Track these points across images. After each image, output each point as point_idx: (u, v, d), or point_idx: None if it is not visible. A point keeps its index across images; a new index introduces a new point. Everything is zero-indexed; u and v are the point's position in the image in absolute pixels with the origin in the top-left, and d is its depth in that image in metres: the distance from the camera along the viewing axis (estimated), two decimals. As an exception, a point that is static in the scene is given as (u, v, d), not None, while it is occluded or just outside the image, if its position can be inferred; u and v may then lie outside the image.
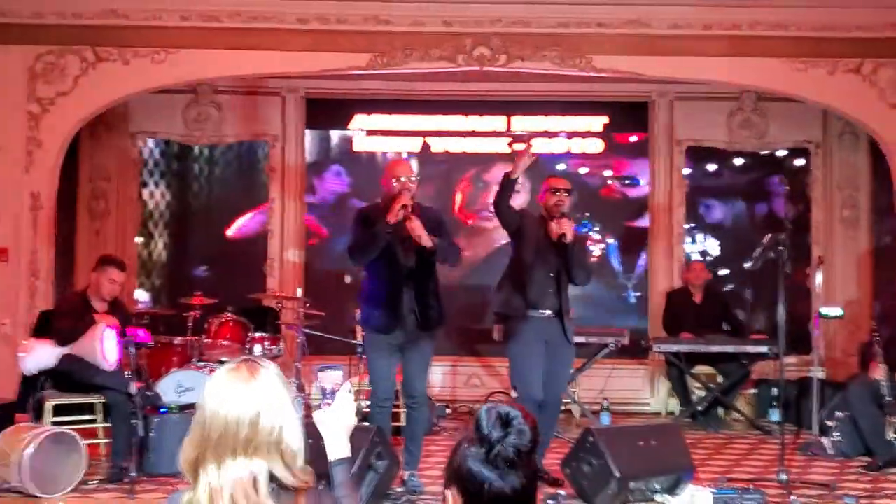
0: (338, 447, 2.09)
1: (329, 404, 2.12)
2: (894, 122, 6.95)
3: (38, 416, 5.39)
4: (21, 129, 6.75)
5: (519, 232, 5.01)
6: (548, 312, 4.96)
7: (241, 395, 1.79)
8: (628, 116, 8.28)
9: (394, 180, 4.75)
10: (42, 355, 5.29)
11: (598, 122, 8.27)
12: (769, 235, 5.23)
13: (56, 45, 6.77)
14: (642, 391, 8.02)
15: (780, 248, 5.13)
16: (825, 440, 5.97)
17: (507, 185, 4.85)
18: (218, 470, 1.76)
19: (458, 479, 1.70)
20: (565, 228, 4.85)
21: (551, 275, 4.97)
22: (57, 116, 6.79)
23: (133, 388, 5.10)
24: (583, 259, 5.09)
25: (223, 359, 6.32)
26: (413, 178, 4.79)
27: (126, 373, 5.23)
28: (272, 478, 1.78)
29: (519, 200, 4.81)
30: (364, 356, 5.56)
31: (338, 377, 2.19)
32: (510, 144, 8.23)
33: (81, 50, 6.79)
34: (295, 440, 1.82)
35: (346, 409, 2.12)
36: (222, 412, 1.78)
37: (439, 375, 7.69)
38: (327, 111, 8.18)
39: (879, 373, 5.69)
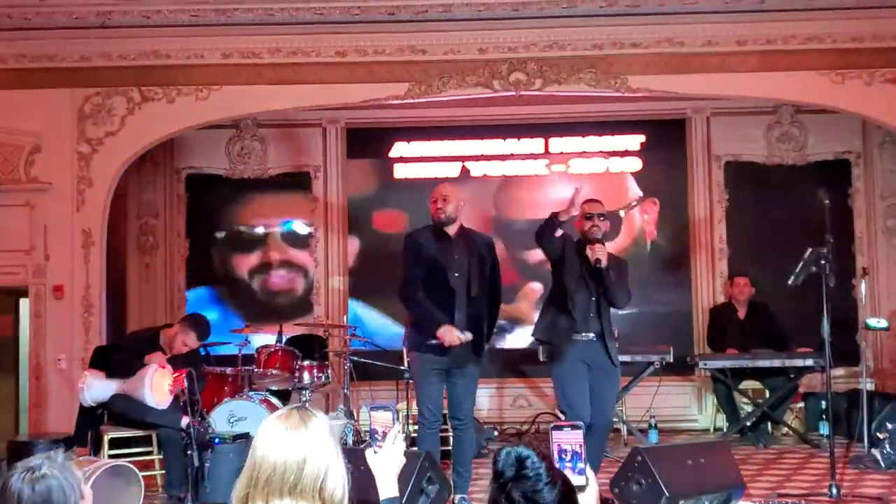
0: (388, 487, 2.20)
1: (380, 445, 2.23)
2: (934, 130, 6.90)
3: (96, 449, 5.55)
4: (72, 168, 6.97)
5: (561, 258, 5.04)
6: (591, 335, 4.97)
7: (289, 441, 1.92)
8: (665, 134, 8.30)
9: (431, 200, 4.94)
10: (99, 388, 5.45)
11: (635, 141, 8.30)
12: (810, 250, 5.21)
13: (103, 86, 7.00)
14: (689, 408, 7.99)
15: (823, 261, 5.11)
16: (876, 452, 5.90)
17: (552, 225, 4.85)
18: None
19: None
20: (599, 254, 4.88)
21: (592, 298, 4.99)
22: (106, 156, 7.00)
23: (184, 422, 5.23)
24: (621, 282, 5.07)
25: (274, 387, 6.45)
26: (445, 197, 4.90)
27: (179, 403, 5.37)
28: None
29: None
30: (411, 380, 5.64)
31: (388, 419, 2.27)
32: (548, 166, 8.30)
33: (127, 90, 7.01)
34: (338, 488, 1.93)
35: (397, 450, 2.22)
36: (271, 456, 1.91)
37: (486, 398, 7.74)
38: (368, 140, 8.33)
39: (930, 383, 5.62)
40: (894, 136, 7.70)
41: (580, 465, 1.97)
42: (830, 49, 6.89)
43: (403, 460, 2.23)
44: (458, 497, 4.93)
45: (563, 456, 1.97)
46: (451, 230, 4.90)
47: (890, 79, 6.90)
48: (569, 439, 1.99)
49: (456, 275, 4.84)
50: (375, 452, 2.22)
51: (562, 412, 5.05)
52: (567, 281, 5.00)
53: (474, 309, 4.88)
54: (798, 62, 6.92)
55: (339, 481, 1.94)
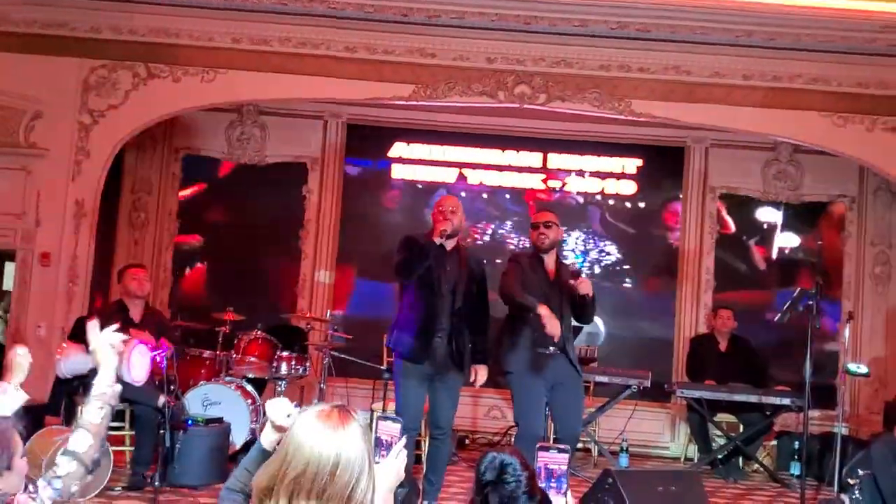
0: (384, 500, 2.09)
1: (384, 455, 2.15)
2: (931, 182, 6.97)
3: (68, 419, 5.53)
4: (71, 138, 6.94)
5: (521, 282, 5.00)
6: (553, 349, 4.92)
7: (327, 441, 1.82)
8: (663, 160, 8.34)
9: (439, 208, 4.96)
10: (78, 361, 5.41)
11: (632, 165, 8.34)
12: (799, 289, 5.24)
13: (110, 59, 6.98)
14: (662, 435, 8.01)
15: (811, 302, 5.15)
16: (845, 497, 5.91)
17: (525, 309, 4.88)
18: None
19: None
20: (584, 289, 4.92)
21: (554, 313, 4.91)
22: (106, 128, 6.97)
23: (161, 401, 5.22)
24: (588, 309, 5.11)
25: (250, 374, 6.44)
26: (454, 209, 4.92)
27: (156, 382, 5.37)
28: None
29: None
30: (389, 381, 5.65)
31: (395, 430, 2.18)
32: (545, 181, 8.33)
33: (134, 65, 6.99)
34: (367, 497, 1.84)
35: (398, 465, 2.12)
36: (305, 454, 1.81)
37: (460, 406, 7.70)
38: (368, 138, 8.34)
39: (904, 433, 5.64)
40: (890, 183, 7.75)
41: (564, 486, 1.99)
42: (835, 92, 6.95)
43: (402, 476, 2.13)
44: (426, 504, 4.95)
45: (550, 476, 2.00)
46: (449, 243, 4.90)
47: (891, 127, 6.96)
48: (555, 460, 2.02)
49: (445, 286, 4.87)
50: (377, 462, 2.08)
51: (516, 424, 5.04)
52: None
53: (457, 320, 4.90)
54: (802, 101, 6.98)
55: (368, 491, 1.84)
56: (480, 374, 5.01)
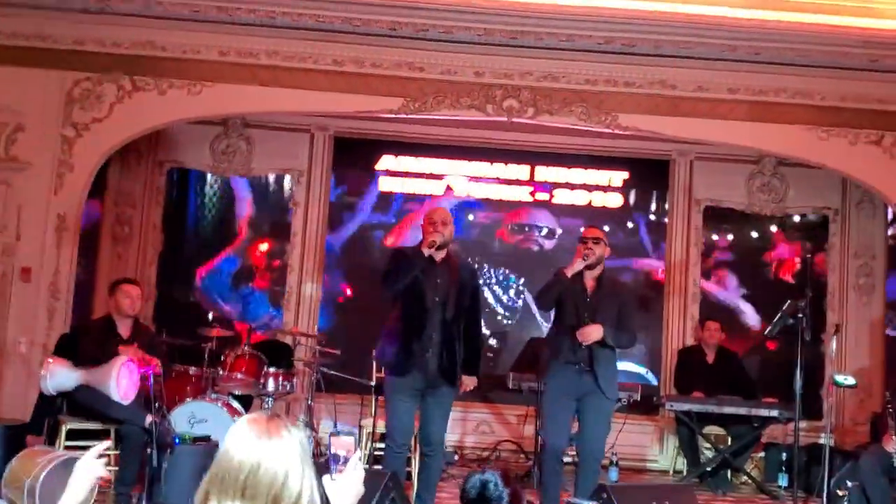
0: None
1: (341, 471, 2.17)
2: (913, 195, 7.03)
3: (52, 438, 5.43)
4: (54, 151, 6.83)
5: (558, 303, 5.13)
6: (579, 365, 5.02)
7: (250, 445, 1.90)
8: (649, 173, 8.39)
9: (429, 219, 4.93)
10: (63, 377, 5.33)
11: (618, 178, 8.38)
12: (789, 302, 5.26)
13: (95, 71, 6.89)
14: (651, 448, 8.01)
15: (801, 315, 5.17)
16: (834, 509, 5.93)
17: (558, 283, 5.01)
18: None
19: None
20: (590, 337, 4.96)
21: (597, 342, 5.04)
22: (90, 141, 6.88)
23: (147, 420, 5.14)
24: (620, 336, 5.12)
25: (237, 391, 6.37)
26: (444, 221, 4.90)
27: (142, 401, 5.29)
28: None
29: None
30: (378, 396, 5.60)
31: (350, 444, 2.21)
32: (532, 194, 8.34)
33: (119, 78, 6.90)
34: (298, 498, 1.89)
35: (356, 478, 2.17)
36: (231, 456, 1.90)
37: (449, 421, 7.67)
38: (355, 151, 8.31)
39: (892, 445, 5.67)
40: (872, 195, 7.82)
41: (341, 464, 2.16)
42: (818, 106, 7.00)
43: (362, 490, 2.18)
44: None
45: (336, 460, 2.15)
46: (439, 254, 4.87)
47: (873, 140, 7.02)
48: (343, 445, 2.18)
49: (436, 298, 4.83)
50: (333, 479, 2.15)
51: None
52: (564, 316, 5.09)
53: (448, 333, 4.85)
54: (786, 115, 7.02)
55: (303, 495, 1.89)
56: (467, 383, 4.99)
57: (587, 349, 5.02)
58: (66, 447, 5.23)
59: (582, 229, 5.37)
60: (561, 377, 5.04)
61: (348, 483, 2.13)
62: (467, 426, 7.95)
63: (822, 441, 6.63)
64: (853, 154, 7.03)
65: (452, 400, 5.00)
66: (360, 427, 6.36)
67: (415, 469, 5.57)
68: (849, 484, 5.83)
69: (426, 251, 4.78)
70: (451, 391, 4.93)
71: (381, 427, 5.66)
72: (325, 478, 2.16)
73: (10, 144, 6.80)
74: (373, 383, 6.06)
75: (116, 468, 5.37)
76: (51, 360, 5.43)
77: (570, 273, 4.97)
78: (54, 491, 4.70)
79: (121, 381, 5.11)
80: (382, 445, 5.29)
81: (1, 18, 6.71)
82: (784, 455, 7.11)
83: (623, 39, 6.78)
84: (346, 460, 2.16)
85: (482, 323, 5.11)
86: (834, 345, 6.80)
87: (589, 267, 5.09)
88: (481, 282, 5.21)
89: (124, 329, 5.62)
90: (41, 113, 6.82)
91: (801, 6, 6.48)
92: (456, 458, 7.46)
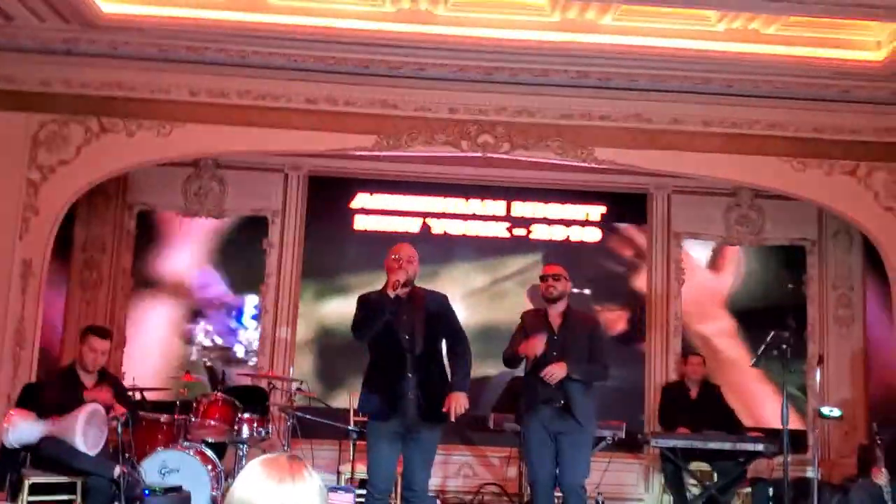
0: None
1: None
2: (888, 224, 7.03)
3: (14, 494, 5.19)
4: (18, 195, 6.67)
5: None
6: (555, 405, 5.05)
7: (271, 488, 1.74)
8: (627, 207, 8.35)
9: (393, 257, 4.77)
10: (25, 430, 5.11)
11: (596, 212, 8.33)
12: (773, 333, 5.21)
13: (61, 113, 6.76)
14: (637, 486, 7.87)
15: (785, 346, 5.11)
16: (823, 543, 5.82)
17: (517, 360, 5.18)
18: None
19: None
20: (554, 377, 4.97)
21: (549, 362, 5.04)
22: (56, 185, 6.73)
23: (116, 471, 4.94)
24: (590, 370, 5.16)
25: (209, 439, 6.16)
26: (409, 258, 4.76)
27: (110, 450, 5.08)
28: None
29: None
30: (356, 441, 5.44)
31: (348, 501, 2.10)
32: (509, 230, 8.26)
33: (86, 119, 6.78)
34: None
35: None
36: (247, 500, 1.74)
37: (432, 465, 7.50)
38: (329, 189, 8.19)
39: (882, 478, 5.60)
40: (849, 226, 7.83)
41: None
42: (793, 137, 7.03)
43: None
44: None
45: None
46: (403, 291, 4.73)
47: (848, 171, 7.05)
48: (342, 500, 2.01)
49: (406, 337, 4.69)
50: None
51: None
52: (530, 361, 5.10)
53: (424, 371, 4.70)
54: (761, 147, 7.04)
55: None
56: (455, 402, 4.60)
57: (559, 387, 5.02)
58: (29, 503, 5.00)
59: (544, 266, 5.41)
60: (538, 417, 5.09)
61: None
62: (449, 469, 7.76)
63: (808, 474, 6.53)
64: (828, 185, 7.04)
65: (436, 444, 4.84)
66: (339, 473, 6.17)
67: None
68: (839, 518, 5.73)
69: (391, 293, 4.63)
70: (433, 435, 4.77)
71: (360, 472, 5.47)
72: None
73: (-28, 189, 6.63)
74: (351, 427, 5.88)
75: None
76: (13, 412, 5.22)
77: (538, 353, 5.00)
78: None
79: (87, 429, 4.91)
80: (363, 492, 5.11)
81: (-38, 60, 6.58)
82: (770, 490, 6.98)
83: (598, 73, 6.78)
84: None
85: (465, 340, 4.90)
86: (818, 376, 6.72)
87: (552, 301, 5.18)
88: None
89: (88, 379, 5.41)
90: (5, 156, 6.68)
91: (774, 39, 6.53)
92: (438, 502, 7.26)
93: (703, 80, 6.79)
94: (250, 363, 7.90)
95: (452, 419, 4.63)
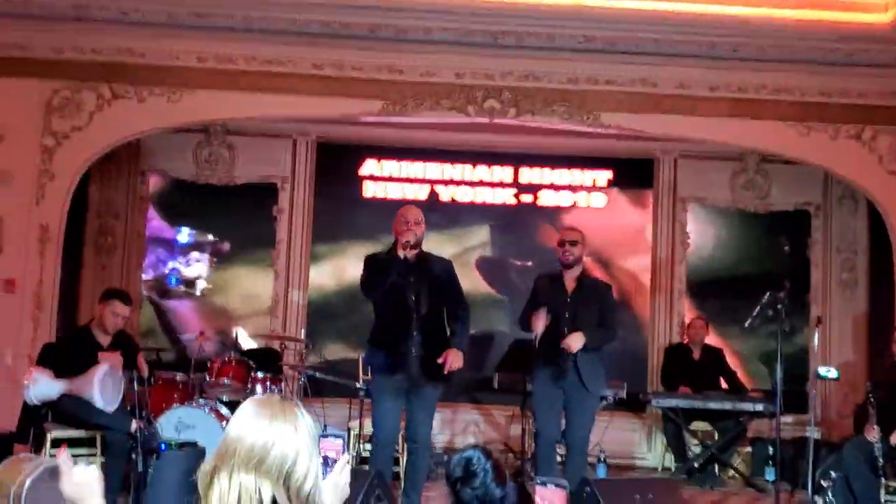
0: None
1: (328, 472, 2.15)
2: (893, 188, 7.07)
3: (37, 447, 5.40)
4: (34, 161, 6.82)
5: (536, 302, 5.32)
6: (564, 365, 5.19)
7: (261, 425, 1.89)
8: (633, 172, 8.41)
9: (401, 219, 4.95)
10: (45, 387, 5.30)
11: (602, 177, 8.40)
12: (768, 294, 5.30)
13: (73, 80, 6.87)
14: (639, 445, 8.02)
15: (779, 306, 5.20)
16: (819, 500, 5.95)
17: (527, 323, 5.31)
18: (229, 480, 1.87)
19: None
20: (573, 347, 5.10)
21: (565, 329, 5.19)
22: (70, 150, 6.87)
23: (133, 426, 5.12)
24: (602, 334, 5.30)
25: (224, 398, 6.35)
26: (417, 221, 4.92)
27: (127, 407, 5.27)
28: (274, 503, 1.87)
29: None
30: (365, 399, 5.61)
31: (338, 446, 2.21)
32: (516, 196, 8.35)
33: (98, 86, 6.88)
34: (307, 481, 1.90)
35: (343, 480, 2.16)
36: (241, 435, 1.89)
37: (438, 422, 7.65)
38: (338, 156, 8.30)
39: (874, 435, 5.71)
40: (853, 190, 7.87)
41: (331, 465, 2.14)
42: (798, 101, 7.04)
43: (347, 492, 2.17)
44: (403, 522, 4.92)
45: (325, 462, 2.14)
46: (411, 253, 4.89)
47: (854, 135, 7.06)
48: (331, 447, 2.17)
49: (413, 297, 4.86)
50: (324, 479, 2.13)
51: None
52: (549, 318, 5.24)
53: (428, 331, 4.89)
54: (766, 111, 7.06)
55: (309, 476, 1.90)
56: (452, 358, 4.79)
57: (573, 357, 5.18)
58: (52, 455, 5.20)
59: (560, 230, 5.50)
60: (546, 375, 5.23)
61: (335, 485, 2.13)
62: (456, 427, 7.95)
63: (812, 434, 6.66)
64: (834, 149, 7.07)
65: (436, 399, 5.02)
66: (349, 429, 6.35)
67: (403, 468, 5.58)
68: (833, 475, 5.85)
69: (401, 253, 4.81)
70: (435, 390, 4.94)
71: (368, 428, 5.65)
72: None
73: (-10, 156, 6.78)
74: (359, 385, 6.05)
75: (103, 475, 5.34)
76: (33, 370, 5.41)
77: (537, 332, 5.16)
78: (39, 497, 4.69)
79: (103, 388, 5.10)
80: (370, 447, 5.30)
81: (-23, 29, 6.69)
82: (770, 449, 7.12)
83: (604, 38, 6.81)
84: (335, 462, 2.15)
85: (466, 304, 5.09)
86: (817, 338, 6.82)
87: (568, 266, 5.22)
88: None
89: (104, 339, 5.60)
90: (21, 123, 6.80)
91: (780, 2, 6.54)
92: (445, 458, 7.44)
93: (709, 45, 6.81)
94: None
95: (445, 372, 4.81)
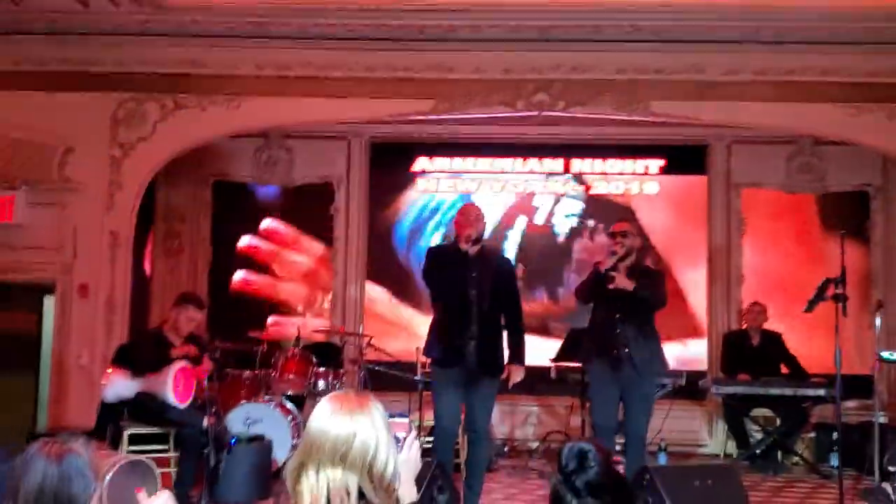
0: (407, 492, 2.25)
1: (399, 450, 2.26)
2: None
3: (115, 444, 5.67)
4: (104, 171, 7.13)
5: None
6: (618, 352, 5.21)
7: (341, 419, 2.01)
8: (686, 159, 8.39)
9: (461, 215, 5.11)
10: (121, 386, 5.57)
11: (655, 165, 8.39)
12: (825, 279, 5.27)
13: (137, 92, 7.17)
14: (699, 433, 8.01)
15: (838, 291, 5.16)
16: (887, 486, 5.89)
17: (598, 279, 5.22)
18: (317, 475, 1.98)
19: (552, 499, 2.06)
20: (620, 285, 5.12)
21: (617, 316, 5.23)
22: (137, 160, 7.16)
23: (204, 423, 5.34)
24: (651, 294, 5.28)
25: (289, 392, 6.56)
26: (477, 216, 5.08)
27: (198, 404, 5.49)
28: (361, 495, 1.99)
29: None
30: (425, 392, 5.74)
31: (404, 424, 2.35)
32: (566, 185, 8.40)
33: (161, 97, 7.17)
34: (388, 470, 2.02)
35: (413, 455, 2.29)
36: (323, 430, 2.01)
37: (497, 414, 7.79)
38: (391, 154, 8.48)
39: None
40: (913, 170, 7.73)
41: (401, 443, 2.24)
42: (848, 82, 6.95)
43: (420, 464, 2.31)
44: (466, 511, 5.04)
45: (397, 441, 2.21)
46: (473, 248, 5.02)
47: (907, 114, 6.95)
48: (398, 426, 2.24)
49: (473, 291, 4.97)
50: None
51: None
52: (598, 310, 5.33)
53: (488, 325, 5.01)
54: (816, 94, 6.99)
55: (389, 465, 2.02)
56: (514, 374, 5.07)
57: (623, 337, 5.18)
58: (129, 451, 5.47)
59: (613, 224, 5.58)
60: (602, 365, 5.27)
61: (407, 461, 2.25)
62: (516, 419, 8.05)
63: (879, 419, 6.57)
64: (886, 129, 6.96)
65: (495, 391, 5.12)
66: (409, 421, 6.50)
67: (463, 459, 5.70)
68: (900, 459, 5.79)
69: (463, 246, 4.93)
70: (492, 383, 5.05)
71: (428, 420, 5.79)
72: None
73: (62, 167, 7.11)
74: (418, 377, 6.19)
75: (176, 469, 5.60)
76: (110, 370, 5.68)
77: (604, 268, 5.16)
78: (120, 491, 4.93)
79: (176, 386, 5.33)
80: (431, 439, 5.42)
81: (45, 46, 7.01)
82: (834, 435, 7.05)
83: (651, 27, 6.82)
84: (403, 440, 2.28)
85: (522, 312, 5.23)
86: (879, 321, 6.72)
87: (621, 259, 5.28)
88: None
89: (177, 340, 5.84)
90: (89, 135, 7.12)
91: (824, -16, 6.45)
92: (506, 450, 7.57)
93: (756, 29, 6.78)
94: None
95: (509, 387, 5.06)
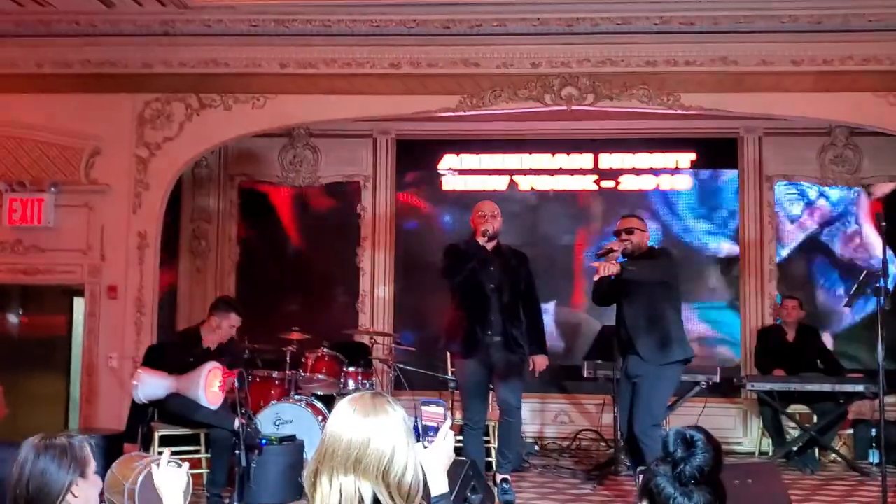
0: (438, 483, 2.19)
1: (431, 440, 2.21)
2: None
3: (146, 445, 5.66)
4: (130, 172, 7.13)
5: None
6: (628, 352, 5.29)
7: (356, 422, 1.95)
8: (716, 152, 8.25)
9: (479, 213, 5.32)
10: (153, 386, 5.56)
11: (685, 159, 8.26)
12: (866, 272, 5.15)
13: (163, 92, 7.16)
14: (735, 430, 7.88)
15: (878, 284, 5.05)
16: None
17: (599, 287, 5.31)
18: (330, 482, 1.92)
19: (648, 495, 1.91)
20: (606, 272, 5.07)
21: (621, 304, 5.33)
22: (163, 160, 7.15)
23: (236, 423, 5.32)
24: (637, 271, 5.16)
25: (319, 392, 6.52)
26: (494, 213, 5.28)
27: (229, 405, 5.47)
28: (376, 502, 1.91)
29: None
30: (455, 391, 5.70)
31: (439, 413, 2.26)
32: (597, 182, 8.30)
33: (186, 97, 7.16)
34: (407, 476, 1.94)
35: (447, 446, 2.22)
36: (338, 434, 1.94)
37: (528, 412, 7.69)
38: (417, 152, 8.41)
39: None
40: (952, 160, 7.55)
41: (432, 435, 2.21)
42: (888, 71, 6.78)
43: (453, 456, 2.24)
44: (500, 477, 5.23)
45: (427, 430, 2.20)
46: (490, 244, 5.24)
47: (948, 102, 6.77)
48: (433, 415, 2.22)
49: (491, 285, 5.20)
50: (425, 447, 2.20)
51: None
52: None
53: (507, 316, 5.22)
54: (854, 83, 6.82)
55: (408, 471, 1.94)
56: (538, 362, 5.32)
57: (626, 334, 5.22)
58: (160, 453, 5.44)
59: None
60: (623, 364, 5.34)
61: (440, 451, 2.20)
62: (546, 417, 7.97)
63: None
64: (926, 118, 6.79)
65: (521, 371, 5.27)
66: (444, 411, 6.44)
67: (494, 440, 5.84)
68: (943, 456, 5.65)
69: (481, 241, 5.14)
70: (515, 362, 5.22)
71: (458, 419, 5.73)
72: (418, 446, 2.20)
73: (88, 168, 7.13)
74: (449, 376, 6.13)
75: (208, 471, 5.58)
76: (140, 370, 5.67)
77: (602, 274, 5.11)
78: (152, 493, 4.92)
79: (208, 387, 5.31)
80: (461, 437, 5.39)
81: (71, 47, 7.02)
82: (873, 431, 6.91)
83: (680, 18, 6.70)
84: (437, 430, 2.22)
85: (539, 303, 5.48)
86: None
87: (629, 255, 5.32)
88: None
89: (212, 342, 5.81)
90: (116, 136, 7.12)
91: (863, -30, 6.30)
92: (536, 448, 7.49)
93: (791, 18, 6.62)
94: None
95: (536, 377, 5.31)
